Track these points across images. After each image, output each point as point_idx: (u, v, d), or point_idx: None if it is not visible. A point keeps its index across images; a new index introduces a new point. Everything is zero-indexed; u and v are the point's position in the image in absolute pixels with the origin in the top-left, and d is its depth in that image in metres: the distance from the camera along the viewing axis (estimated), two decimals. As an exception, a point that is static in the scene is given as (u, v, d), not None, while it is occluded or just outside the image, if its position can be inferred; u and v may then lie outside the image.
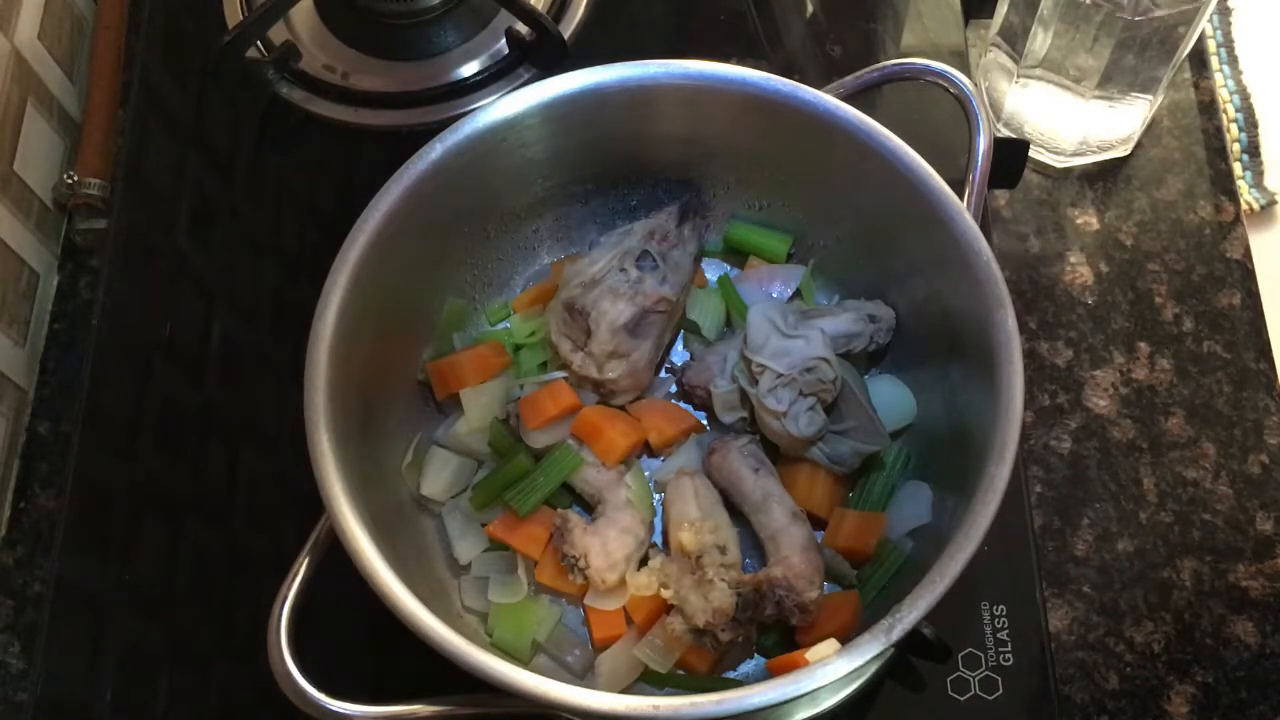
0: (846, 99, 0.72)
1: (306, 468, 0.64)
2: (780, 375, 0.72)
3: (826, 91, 0.72)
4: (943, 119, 0.80)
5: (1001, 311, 0.65)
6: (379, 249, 0.69)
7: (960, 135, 0.72)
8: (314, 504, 0.64)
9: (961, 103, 0.72)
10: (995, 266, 0.66)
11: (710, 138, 0.77)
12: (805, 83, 0.72)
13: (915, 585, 0.60)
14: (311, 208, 0.93)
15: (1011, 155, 0.85)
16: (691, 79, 0.72)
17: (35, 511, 0.86)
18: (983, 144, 0.71)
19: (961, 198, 0.69)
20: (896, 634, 0.58)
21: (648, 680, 0.71)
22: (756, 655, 0.72)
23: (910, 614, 0.58)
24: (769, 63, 0.94)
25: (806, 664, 0.60)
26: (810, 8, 0.98)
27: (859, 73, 0.74)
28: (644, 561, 0.73)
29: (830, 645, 0.62)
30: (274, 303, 0.89)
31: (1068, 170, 0.94)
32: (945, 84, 0.72)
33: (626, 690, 0.71)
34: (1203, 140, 0.94)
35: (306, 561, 0.64)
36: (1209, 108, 0.95)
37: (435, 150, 0.70)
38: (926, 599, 0.59)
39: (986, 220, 0.82)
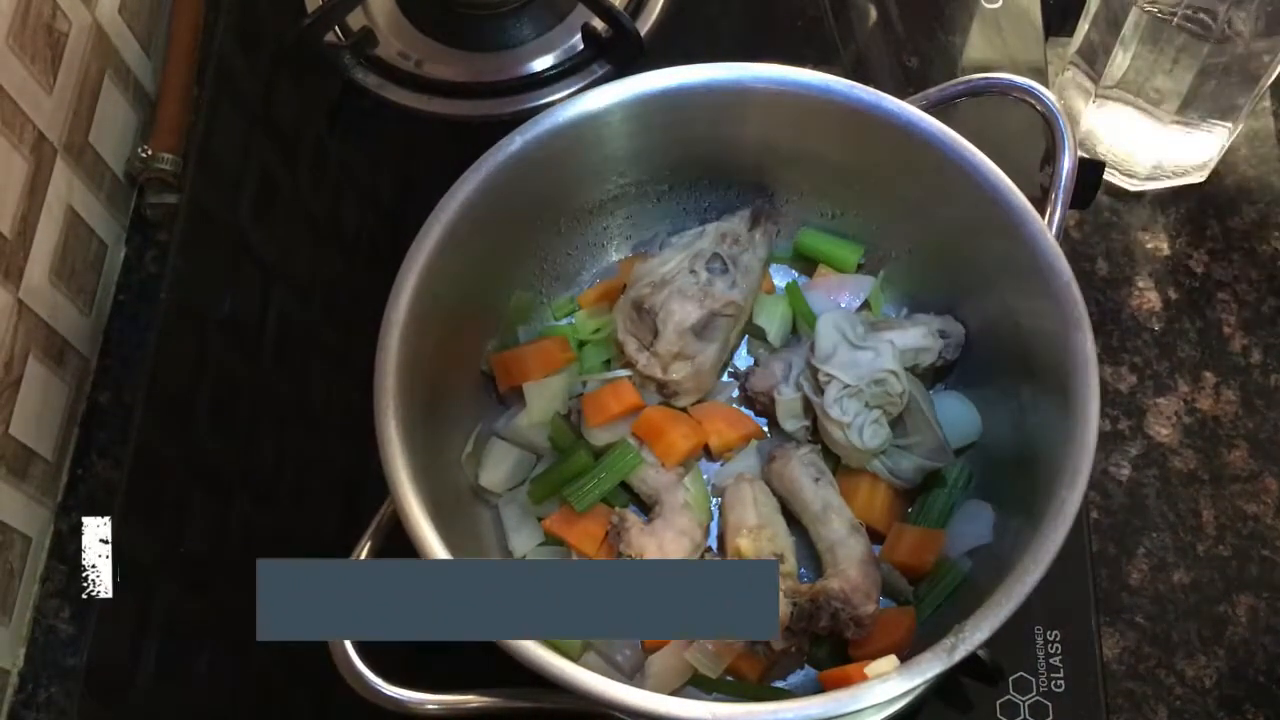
0: (928, 110, 0.71)
1: (352, 451, 0.64)
2: (847, 386, 0.71)
3: (910, 102, 0.71)
4: (1008, 135, 0.80)
5: (1080, 334, 0.64)
6: (453, 237, 0.69)
7: (1025, 154, 0.71)
8: (357, 488, 0.64)
9: (1048, 120, 0.71)
10: (1076, 288, 0.65)
11: (788, 143, 0.76)
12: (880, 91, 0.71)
13: (972, 605, 0.60)
14: (373, 194, 0.93)
15: (1085, 176, 0.84)
16: (777, 84, 0.71)
17: (92, 480, 0.87)
18: (1067, 163, 0.70)
19: (1041, 216, 0.68)
20: (960, 654, 0.58)
21: (696, 684, 0.71)
22: (807, 666, 0.72)
23: (975, 635, 0.58)
24: (843, 69, 0.94)
25: (865, 679, 0.59)
26: (888, 17, 0.97)
27: (943, 85, 0.73)
28: (699, 565, 0.73)
29: (890, 661, 0.61)
30: (328, 287, 0.89)
31: (1140, 194, 0.93)
32: (1032, 100, 0.72)
33: (675, 693, 0.70)
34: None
35: (368, 546, 0.64)
36: (1288, 138, 0.94)
37: (515, 142, 0.70)
38: (991, 620, 0.58)
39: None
